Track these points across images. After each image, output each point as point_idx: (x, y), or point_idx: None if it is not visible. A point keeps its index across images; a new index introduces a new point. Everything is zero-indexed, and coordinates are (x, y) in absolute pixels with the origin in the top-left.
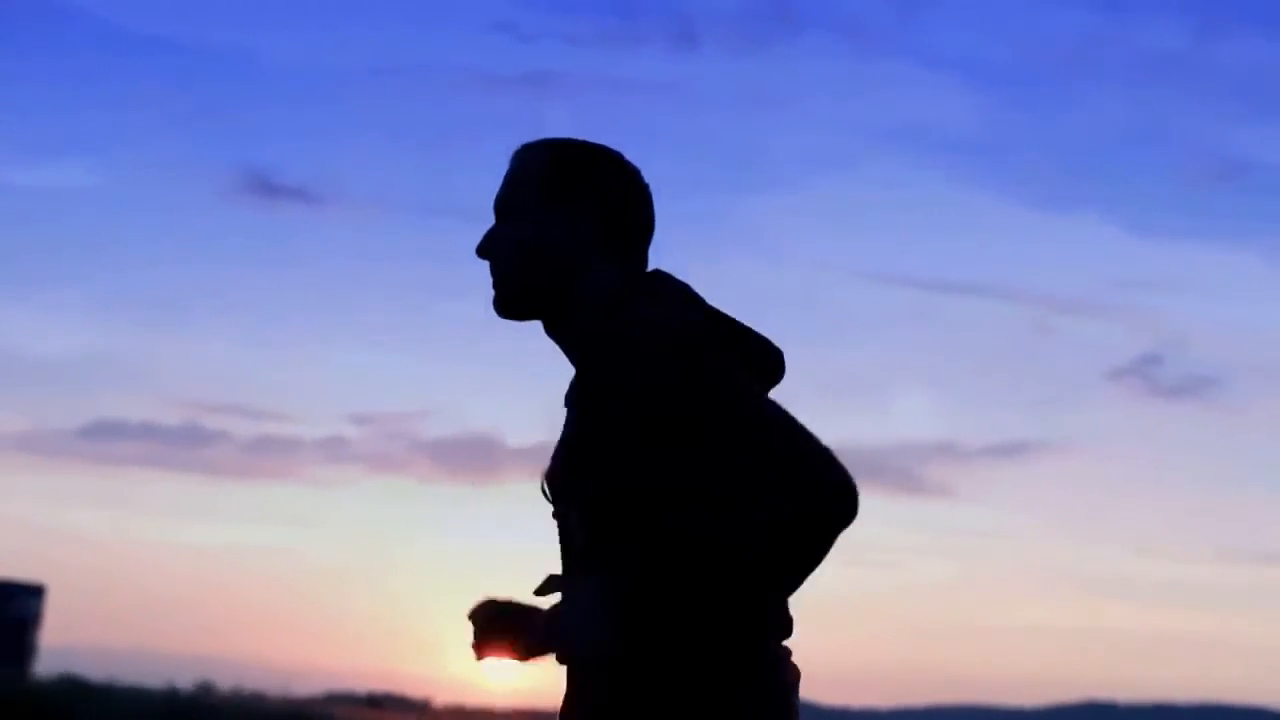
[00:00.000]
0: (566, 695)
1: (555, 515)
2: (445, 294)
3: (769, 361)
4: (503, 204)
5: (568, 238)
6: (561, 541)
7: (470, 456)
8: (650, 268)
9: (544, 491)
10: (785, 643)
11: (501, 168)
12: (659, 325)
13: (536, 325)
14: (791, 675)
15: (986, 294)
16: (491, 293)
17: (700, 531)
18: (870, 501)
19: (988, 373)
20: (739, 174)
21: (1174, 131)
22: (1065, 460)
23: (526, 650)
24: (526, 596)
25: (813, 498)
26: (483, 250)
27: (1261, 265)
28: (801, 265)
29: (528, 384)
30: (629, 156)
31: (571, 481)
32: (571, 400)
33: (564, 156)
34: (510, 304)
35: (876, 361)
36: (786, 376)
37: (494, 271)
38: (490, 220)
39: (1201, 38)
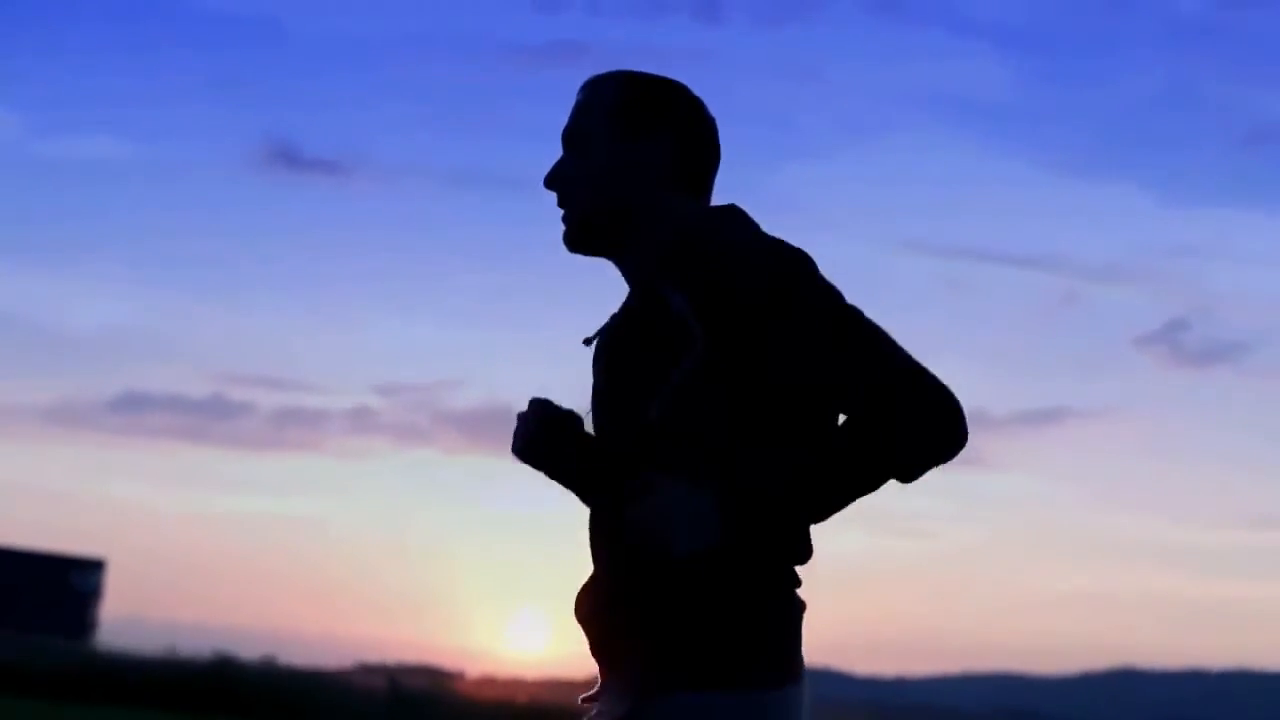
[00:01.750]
0: (594, 577)
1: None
2: (471, 264)
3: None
4: (572, 135)
5: (640, 169)
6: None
7: (496, 427)
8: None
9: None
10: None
11: (527, 139)
12: (763, 241)
13: (558, 295)
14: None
15: (1017, 262)
16: (561, 226)
17: (836, 442)
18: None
19: (1018, 340)
20: (769, 143)
21: (1205, 98)
22: (1095, 427)
23: (565, 475)
24: (554, 558)
25: (938, 423)
26: (551, 181)
27: None
28: (832, 234)
29: (554, 353)
30: None
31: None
32: (641, 299)
33: (635, 88)
34: (581, 237)
35: (906, 329)
36: None
37: (562, 204)
38: (523, 187)
39: (1233, 4)
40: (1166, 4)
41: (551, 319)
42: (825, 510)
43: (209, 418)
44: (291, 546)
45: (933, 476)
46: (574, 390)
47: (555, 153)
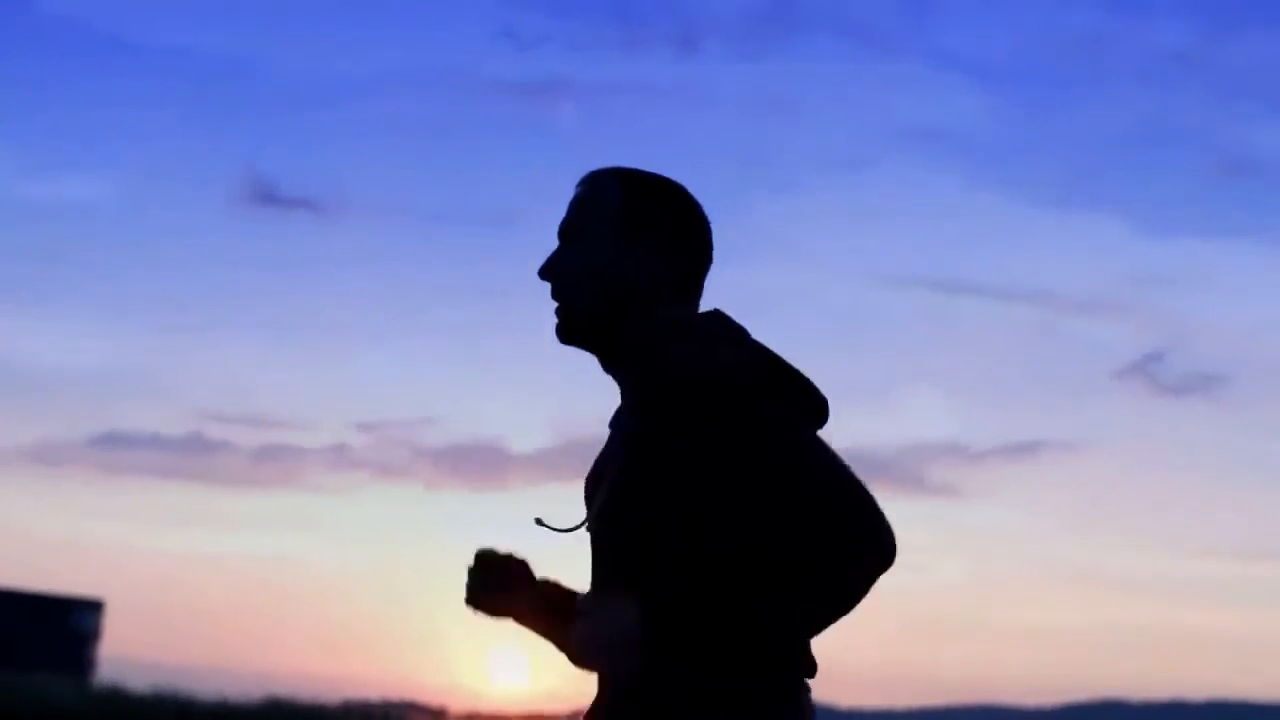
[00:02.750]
0: (598, 698)
1: (589, 529)
2: (449, 301)
3: (816, 405)
4: (570, 229)
5: (642, 271)
6: (594, 554)
7: (475, 463)
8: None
9: (586, 516)
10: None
11: (506, 176)
12: (720, 370)
13: (538, 332)
14: (809, 714)
15: (994, 294)
16: (554, 319)
17: (750, 589)
18: (880, 502)
19: (996, 372)
20: (746, 178)
21: (1182, 130)
22: (1074, 459)
23: (523, 615)
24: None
25: (864, 558)
26: (547, 272)
27: (1269, 262)
28: (811, 267)
29: (532, 391)
30: (638, 161)
31: (618, 512)
32: (621, 430)
33: (640, 188)
34: (575, 332)
35: (885, 362)
36: None
37: (558, 296)
38: (501, 224)
39: (1210, 36)
40: (1144, 37)
41: (531, 356)
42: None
43: (189, 456)
44: (273, 583)
45: (914, 509)
46: (550, 422)
47: (535, 189)
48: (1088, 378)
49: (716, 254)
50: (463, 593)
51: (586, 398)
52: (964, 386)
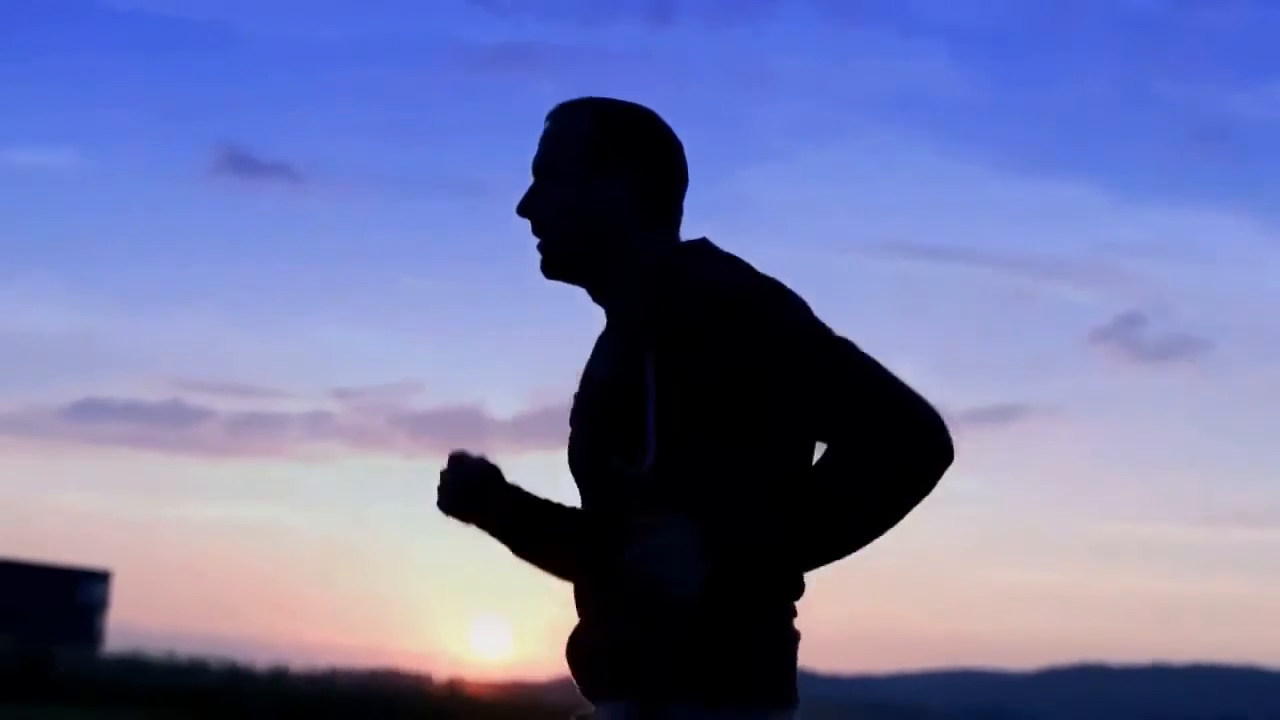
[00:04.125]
0: (583, 624)
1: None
2: (427, 268)
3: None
4: (544, 164)
5: (614, 200)
6: (608, 491)
7: (453, 429)
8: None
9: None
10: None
11: (480, 143)
12: (735, 275)
13: (515, 299)
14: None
15: (970, 260)
16: (537, 254)
17: (818, 482)
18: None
19: (973, 338)
20: (721, 146)
21: (1156, 96)
22: (1054, 423)
23: (496, 521)
24: (514, 568)
25: (922, 446)
26: (524, 209)
27: (1243, 227)
28: (786, 235)
29: (509, 357)
30: None
31: (637, 432)
32: (618, 355)
33: (608, 118)
34: (558, 265)
35: (861, 328)
36: None
37: (537, 232)
38: (477, 190)
39: (1185, 3)
40: (1118, 3)
41: (508, 322)
42: (822, 558)
43: (166, 424)
44: (251, 551)
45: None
46: (528, 389)
47: (509, 156)
48: (1065, 343)
49: (689, 222)
50: (437, 505)
51: (565, 364)
52: (941, 352)
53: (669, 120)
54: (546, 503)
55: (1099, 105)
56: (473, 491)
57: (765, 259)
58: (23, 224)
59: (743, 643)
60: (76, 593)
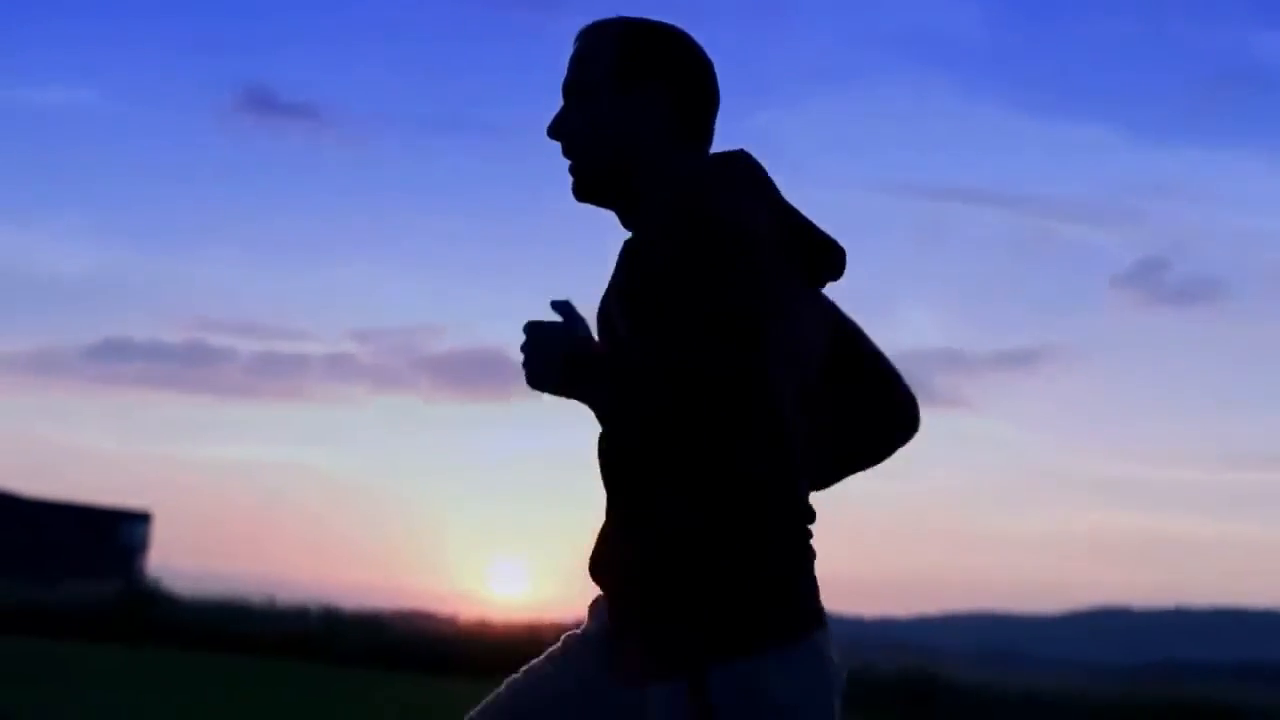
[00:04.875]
0: (605, 532)
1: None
2: (449, 208)
3: (831, 258)
4: (573, 85)
5: (643, 119)
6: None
7: (475, 372)
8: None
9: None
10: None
11: (504, 82)
12: (724, 215)
13: (537, 240)
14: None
15: (990, 201)
16: (569, 177)
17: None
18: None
19: (993, 281)
20: (738, 87)
21: (1178, 37)
22: (1073, 366)
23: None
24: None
25: (904, 407)
26: (554, 131)
27: (1265, 169)
28: (805, 175)
29: (533, 297)
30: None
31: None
32: (628, 266)
33: (635, 36)
34: (590, 187)
35: (882, 271)
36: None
37: (568, 154)
38: (501, 131)
39: None
40: None
41: (531, 262)
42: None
43: (187, 365)
44: (274, 492)
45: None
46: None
47: (533, 95)
48: (1086, 286)
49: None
50: (530, 378)
51: (588, 303)
52: (961, 294)
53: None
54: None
55: (1120, 46)
56: (554, 369)
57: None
58: (44, 164)
59: (760, 574)
60: (118, 533)
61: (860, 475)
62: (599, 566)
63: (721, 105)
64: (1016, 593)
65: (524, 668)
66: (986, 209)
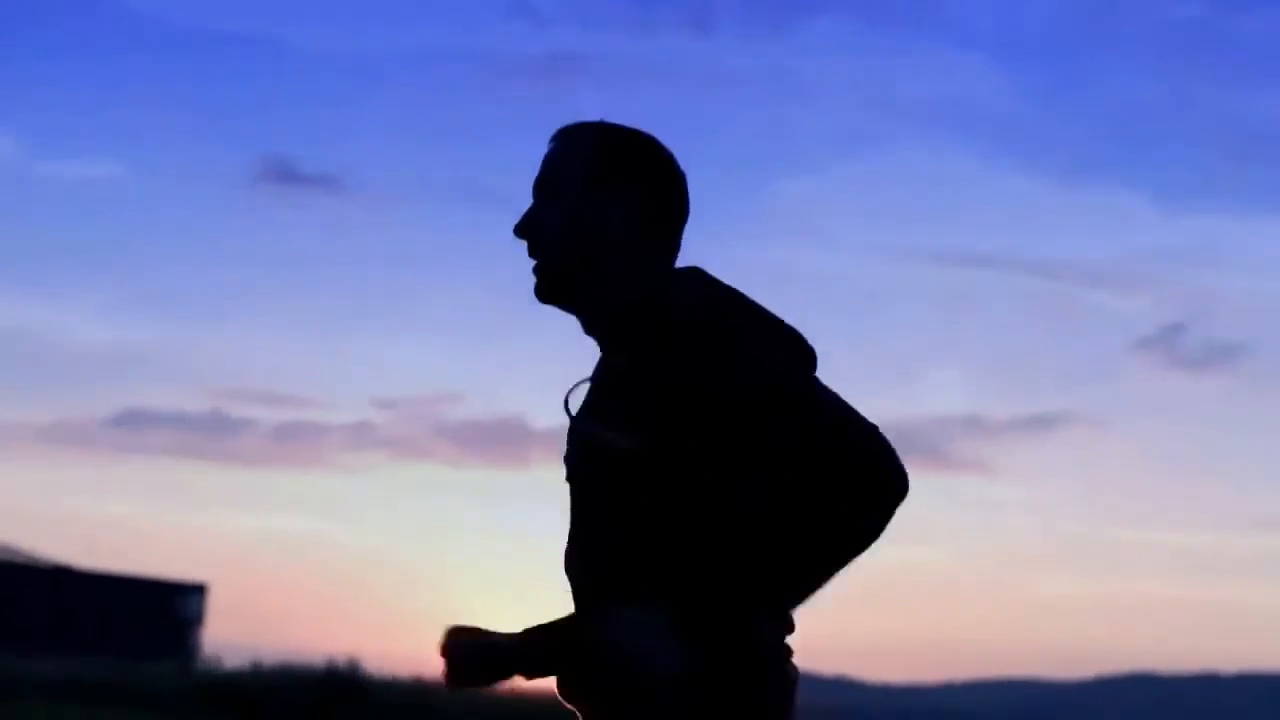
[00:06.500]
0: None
1: (571, 478)
2: (469, 278)
3: (804, 355)
4: (545, 185)
5: (613, 221)
6: (574, 508)
7: (496, 440)
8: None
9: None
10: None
11: (523, 153)
12: (701, 305)
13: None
14: (792, 672)
15: (1012, 267)
16: (531, 277)
17: (760, 511)
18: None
19: (1016, 346)
20: (762, 156)
21: (1199, 102)
22: (1098, 431)
23: (500, 678)
24: (552, 593)
25: (870, 480)
26: (522, 230)
27: None
28: (828, 244)
29: (553, 366)
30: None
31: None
32: (603, 383)
33: (609, 141)
34: (554, 287)
35: (904, 336)
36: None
37: (534, 253)
38: (519, 201)
39: (1223, 7)
40: (1161, 9)
41: (550, 331)
42: (801, 594)
43: (208, 434)
44: (296, 564)
45: (936, 483)
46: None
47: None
48: (1107, 351)
49: (733, 232)
50: (447, 668)
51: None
52: (984, 360)
53: (709, 128)
54: (556, 624)
55: (1142, 111)
56: (468, 674)
57: (806, 267)
58: (66, 236)
59: (745, 705)
60: (172, 606)
61: (888, 540)
62: (573, 691)
63: (746, 171)
64: (1044, 658)
65: None
66: (1007, 275)
